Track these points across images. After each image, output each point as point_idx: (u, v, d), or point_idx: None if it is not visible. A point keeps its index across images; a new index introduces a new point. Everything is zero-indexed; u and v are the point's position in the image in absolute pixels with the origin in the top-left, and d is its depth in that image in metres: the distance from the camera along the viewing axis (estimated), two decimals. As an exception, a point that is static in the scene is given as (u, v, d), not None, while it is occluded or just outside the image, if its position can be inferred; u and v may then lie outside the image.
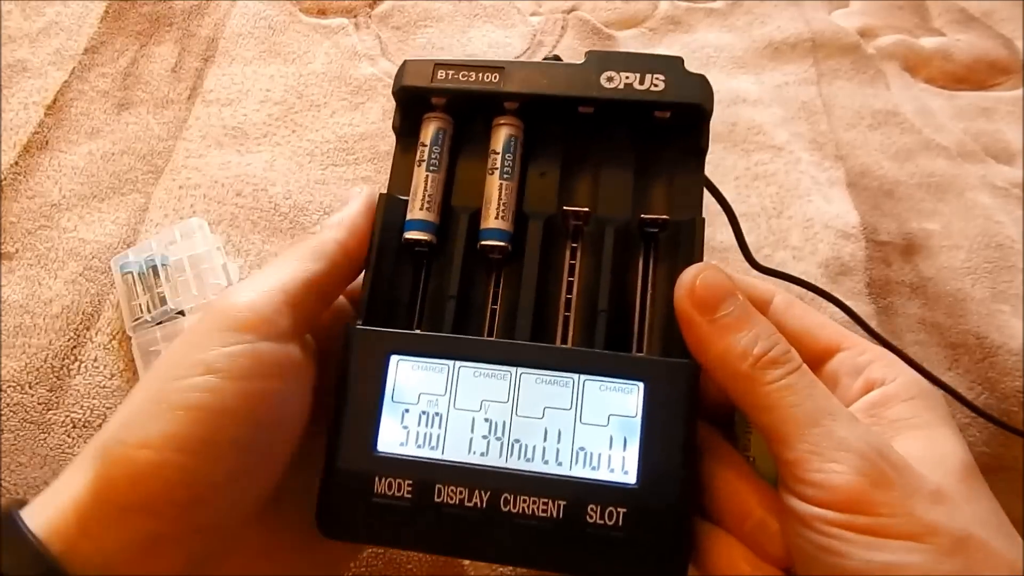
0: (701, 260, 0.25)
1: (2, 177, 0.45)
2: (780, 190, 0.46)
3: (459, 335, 0.26)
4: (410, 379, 0.25)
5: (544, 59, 0.28)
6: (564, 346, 0.26)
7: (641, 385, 0.24)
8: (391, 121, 0.29)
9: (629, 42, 0.55)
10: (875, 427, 0.23)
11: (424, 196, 0.27)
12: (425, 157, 0.28)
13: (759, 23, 0.56)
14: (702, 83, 0.27)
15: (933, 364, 0.40)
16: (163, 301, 0.38)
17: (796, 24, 0.56)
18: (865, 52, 0.55)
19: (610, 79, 0.27)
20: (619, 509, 0.23)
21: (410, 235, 0.27)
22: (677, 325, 0.25)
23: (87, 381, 0.38)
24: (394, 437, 0.24)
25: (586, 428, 0.24)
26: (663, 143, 0.28)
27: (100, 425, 0.36)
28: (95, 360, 0.38)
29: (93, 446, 0.21)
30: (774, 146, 0.48)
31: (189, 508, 0.21)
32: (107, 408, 0.37)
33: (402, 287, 0.27)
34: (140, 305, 0.38)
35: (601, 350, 0.26)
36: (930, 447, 0.22)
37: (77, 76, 0.51)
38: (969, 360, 0.40)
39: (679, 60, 0.27)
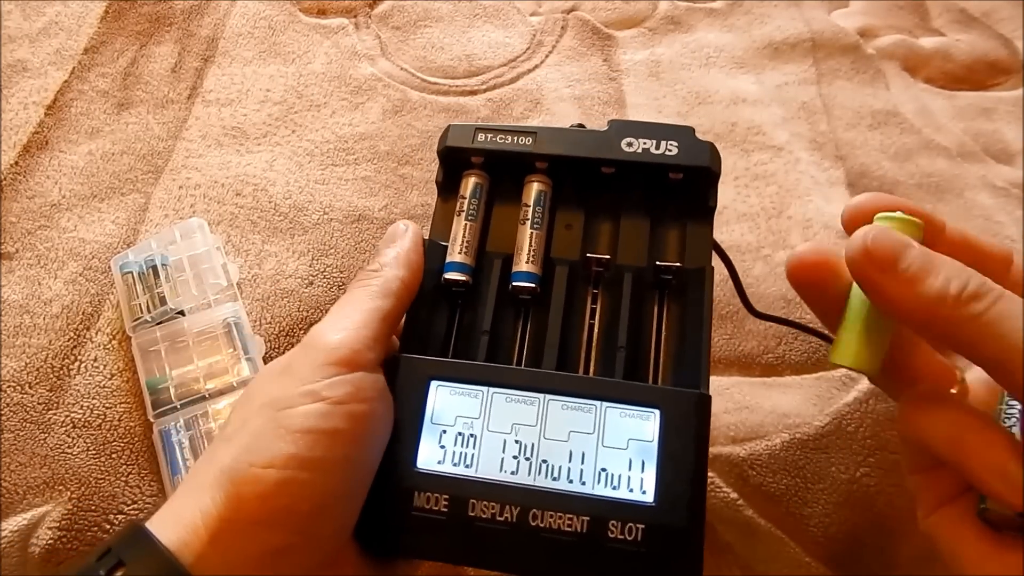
0: (711, 305, 0.28)
1: (2, 177, 0.45)
2: (780, 190, 0.46)
3: (493, 364, 0.28)
4: (448, 403, 0.27)
5: (570, 127, 0.32)
6: (587, 375, 0.28)
7: (658, 412, 0.26)
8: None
9: (629, 42, 0.55)
10: None
11: (463, 242, 0.30)
12: (464, 208, 0.31)
13: (759, 23, 0.56)
14: (711, 149, 0.30)
15: (933, 364, 0.40)
16: (163, 301, 0.38)
17: (796, 24, 0.56)
18: (865, 52, 0.55)
19: (629, 144, 0.30)
20: (638, 525, 0.25)
21: (449, 276, 0.29)
22: (688, 360, 0.27)
23: (87, 381, 0.38)
24: (432, 455, 0.26)
25: (607, 451, 0.26)
26: (676, 201, 0.31)
27: (100, 425, 0.36)
28: (95, 360, 0.38)
29: (216, 471, 0.24)
30: (774, 146, 0.48)
31: (311, 518, 0.23)
32: (107, 408, 0.37)
33: (439, 323, 0.30)
34: (140, 305, 0.38)
35: (621, 379, 0.27)
36: None
37: (77, 76, 0.51)
38: (969, 360, 0.40)
39: (690, 129, 0.30)
